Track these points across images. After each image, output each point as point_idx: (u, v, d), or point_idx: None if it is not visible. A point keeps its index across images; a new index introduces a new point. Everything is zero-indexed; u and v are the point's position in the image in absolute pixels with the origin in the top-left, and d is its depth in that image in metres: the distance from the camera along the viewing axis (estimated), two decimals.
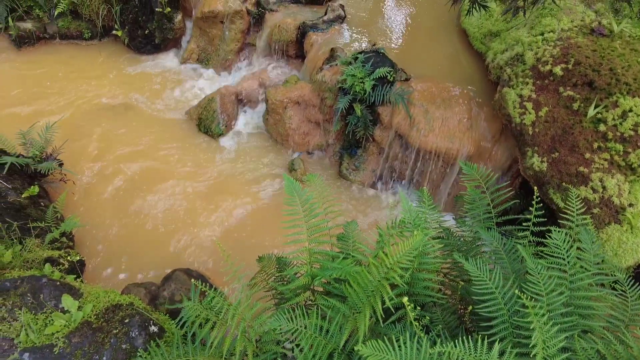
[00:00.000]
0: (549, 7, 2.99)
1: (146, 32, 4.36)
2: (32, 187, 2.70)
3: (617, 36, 2.57)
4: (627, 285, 1.49)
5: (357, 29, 3.74)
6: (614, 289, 1.54)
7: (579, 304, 1.30)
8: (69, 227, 2.51)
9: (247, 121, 3.86)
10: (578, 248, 1.47)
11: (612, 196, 2.26)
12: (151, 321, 1.86)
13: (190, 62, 4.40)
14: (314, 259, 1.62)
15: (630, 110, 2.27)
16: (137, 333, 1.73)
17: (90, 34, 4.57)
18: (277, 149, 3.67)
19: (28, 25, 4.49)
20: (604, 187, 2.28)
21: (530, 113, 2.52)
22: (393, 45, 3.55)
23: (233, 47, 4.13)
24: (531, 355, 1.13)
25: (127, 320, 1.77)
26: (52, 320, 1.76)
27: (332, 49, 3.45)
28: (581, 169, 2.33)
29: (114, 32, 4.48)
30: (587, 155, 2.33)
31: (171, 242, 3.03)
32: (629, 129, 2.26)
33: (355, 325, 1.37)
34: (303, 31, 3.69)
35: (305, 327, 1.37)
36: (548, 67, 2.54)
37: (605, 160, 2.30)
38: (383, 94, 3.02)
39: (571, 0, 3.00)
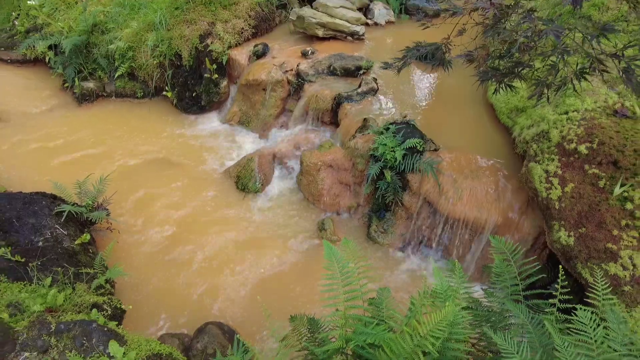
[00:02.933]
0: (573, 91, 3.17)
1: (194, 94, 4.77)
2: (84, 234, 2.92)
3: (637, 117, 2.71)
4: None
5: (388, 101, 4.01)
6: None
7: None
8: (113, 274, 2.68)
9: (282, 181, 4.08)
10: (605, 327, 1.52)
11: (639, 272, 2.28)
12: None
13: (232, 124, 4.74)
14: (348, 324, 1.71)
15: None
16: None
17: (142, 93, 5.03)
18: (309, 208, 3.84)
19: (90, 84, 5.01)
20: (634, 265, 2.31)
21: (556, 188, 2.62)
22: (422, 116, 3.78)
23: (272, 112, 4.46)
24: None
25: None
26: None
27: (364, 119, 3.70)
28: (609, 245, 2.38)
29: (164, 92, 4.92)
30: (615, 232, 2.38)
31: (204, 294, 3.15)
32: None
33: None
34: (338, 101, 3.98)
35: None
36: (573, 145, 2.67)
37: (634, 238, 2.35)
38: (412, 163, 3.20)
39: (593, 81, 3.19)
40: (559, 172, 2.66)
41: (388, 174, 3.27)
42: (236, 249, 3.48)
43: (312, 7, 5.17)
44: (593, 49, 2.25)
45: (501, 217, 2.94)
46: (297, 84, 4.29)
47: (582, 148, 2.63)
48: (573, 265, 2.47)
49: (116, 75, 4.86)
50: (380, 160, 3.29)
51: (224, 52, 4.61)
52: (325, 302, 1.75)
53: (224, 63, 4.63)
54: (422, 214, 3.27)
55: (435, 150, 3.34)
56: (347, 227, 3.71)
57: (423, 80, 4.39)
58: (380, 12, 5.55)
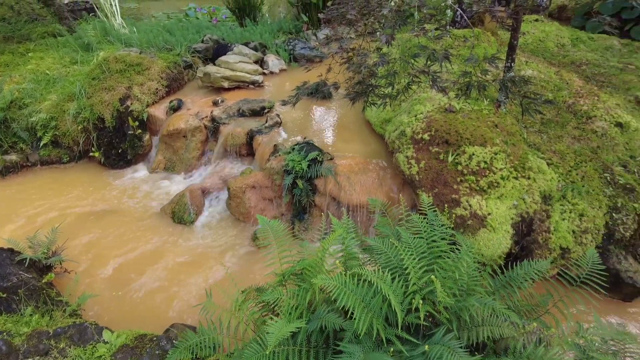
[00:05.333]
0: (418, 99, 4.39)
1: (120, 150, 5.31)
2: (49, 274, 3.32)
3: (459, 111, 3.93)
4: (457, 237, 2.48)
5: (291, 130, 4.97)
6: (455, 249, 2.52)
7: (433, 250, 2.25)
8: (83, 300, 3.14)
9: (213, 209, 4.74)
10: (428, 222, 2.48)
11: (476, 210, 3.37)
12: (173, 339, 2.54)
13: (159, 171, 5.34)
14: (284, 269, 2.49)
15: (473, 154, 3.51)
16: (165, 342, 2.39)
17: (68, 158, 5.43)
18: (240, 225, 4.54)
19: (13, 157, 5.30)
20: (470, 205, 3.40)
21: (414, 166, 3.69)
22: (319, 136, 4.77)
23: (195, 154, 5.16)
24: (409, 279, 2.04)
25: (154, 339, 2.44)
26: (97, 349, 2.39)
27: (274, 145, 4.58)
28: (454, 196, 3.45)
29: (90, 154, 5.38)
30: (455, 186, 3.48)
31: (161, 307, 3.66)
32: (475, 165, 3.47)
33: (313, 293, 2.22)
34: (251, 135, 4.83)
35: (283, 296, 2.19)
36: (420, 136, 3.80)
37: (466, 188, 3.45)
38: (316, 170, 4.12)
39: (432, 92, 4.44)
40: (414, 155, 3.75)
41: (300, 182, 4.15)
42: (182, 271, 4.04)
43: (215, 64, 6.09)
44: (412, 69, 3.40)
45: (385, 197, 3.93)
46: (214, 127, 5.08)
47: (425, 136, 3.76)
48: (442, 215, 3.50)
49: (40, 145, 5.23)
50: (291, 173, 4.16)
51: (144, 110, 5.27)
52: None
53: (145, 119, 5.28)
54: (330, 209, 4.17)
55: (331, 159, 4.31)
56: None
57: (317, 112, 5.45)
58: (274, 62, 6.64)
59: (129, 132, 5.22)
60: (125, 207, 4.80)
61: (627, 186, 3.64)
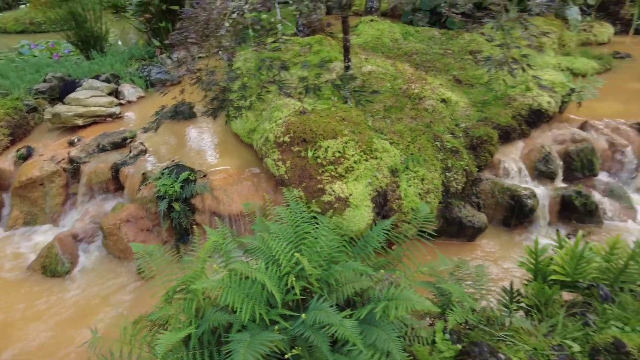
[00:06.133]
0: (276, 106, 4.73)
1: None
2: None
3: (311, 112, 4.37)
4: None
5: (160, 155, 4.94)
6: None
7: (299, 234, 2.57)
8: None
9: (89, 253, 4.49)
10: (292, 211, 2.80)
11: (339, 194, 3.80)
12: None
13: (18, 228, 4.85)
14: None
15: (328, 147, 3.94)
16: None
17: None
18: (122, 263, 4.39)
19: None
20: (334, 191, 3.82)
21: (282, 167, 4.01)
22: (189, 156, 4.84)
23: (58, 201, 4.82)
24: (280, 262, 2.31)
25: None
26: None
27: (143, 174, 4.53)
28: (319, 186, 3.84)
29: None
30: (318, 177, 3.87)
31: None
32: (331, 156, 3.91)
33: (198, 299, 2.36)
34: (116, 169, 4.69)
35: (171, 311, 2.29)
36: (281, 139, 4.13)
37: (328, 177, 3.87)
38: (190, 190, 4.19)
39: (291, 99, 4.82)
40: (280, 157, 4.07)
41: (176, 205, 4.18)
42: (67, 327, 3.78)
43: (64, 103, 5.72)
44: (260, 80, 3.71)
45: (263, 200, 4.19)
46: (74, 169, 4.80)
47: (286, 138, 4.11)
48: (307, 206, 3.85)
49: None
50: (165, 198, 4.18)
51: None
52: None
53: None
54: (212, 224, 4.27)
55: (205, 175, 4.42)
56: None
57: (183, 132, 5.48)
58: (130, 91, 6.46)
59: None
60: None
61: (454, 149, 4.43)
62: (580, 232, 2.98)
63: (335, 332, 2.04)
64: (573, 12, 8.78)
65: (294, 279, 2.32)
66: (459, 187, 4.23)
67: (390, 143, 4.24)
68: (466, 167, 4.34)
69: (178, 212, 4.19)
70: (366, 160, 3.97)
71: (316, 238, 2.44)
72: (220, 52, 3.58)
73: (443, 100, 5.36)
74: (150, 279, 4.14)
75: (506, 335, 2.61)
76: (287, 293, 2.41)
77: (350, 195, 3.81)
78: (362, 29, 8.09)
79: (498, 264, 4.06)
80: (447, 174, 4.20)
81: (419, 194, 3.99)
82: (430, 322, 2.81)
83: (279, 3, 3.83)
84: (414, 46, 7.67)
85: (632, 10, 9.81)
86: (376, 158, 4.01)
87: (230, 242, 2.74)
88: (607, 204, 4.80)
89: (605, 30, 9.34)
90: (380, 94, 4.72)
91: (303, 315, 2.20)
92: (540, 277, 2.92)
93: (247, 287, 2.34)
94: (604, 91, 6.55)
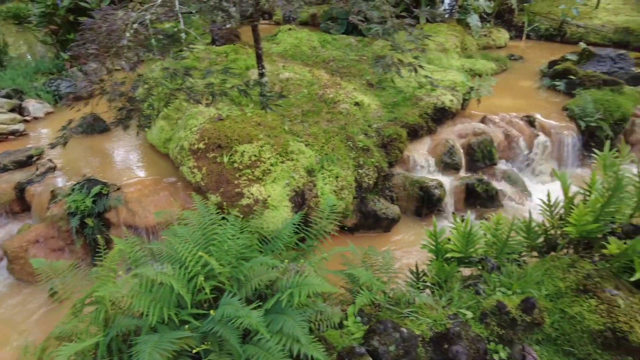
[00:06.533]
0: (191, 114, 4.73)
1: None
2: None
3: (227, 119, 4.43)
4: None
5: (71, 171, 4.72)
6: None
7: (208, 237, 2.63)
8: None
9: None
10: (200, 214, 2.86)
11: (258, 196, 3.89)
12: None
13: None
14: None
15: (244, 151, 4.03)
16: None
17: None
18: (32, 287, 4.12)
19: None
20: (252, 194, 3.90)
21: (197, 174, 4.02)
22: (104, 171, 4.67)
23: None
24: (186, 266, 2.36)
25: None
26: None
27: (52, 191, 4.30)
28: (237, 190, 3.91)
29: None
30: (236, 182, 3.94)
31: None
32: (248, 160, 3.99)
33: (106, 308, 2.33)
34: (21, 188, 4.41)
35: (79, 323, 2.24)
36: (196, 146, 4.14)
37: (246, 180, 3.95)
38: (103, 204, 4.06)
39: (200, 107, 4.83)
40: (196, 164, 4.08)
41: (90, 221, 4.03)
42: None
43: None
44: (169, 88, 3.71)
45: (182, 209, 4.16)
46: None
47: (201, 145, 4.13)
48: (226, 210, 3.90)
49: None
50: (77, 214, 4.01)
51: None
52: None
53: None
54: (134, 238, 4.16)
55: (119, 188, 4.30)
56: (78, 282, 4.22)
57: (96, 145, 5.27)
58: (35, 106, 6.09)
59: None
60: None
61: (365, 148, 4.71)
62: (469, 214, 3.33)
63: (242, 323, 2.12)
64: (474, 19, 9.65)
65: (202, 279, 2.37)
66: (371, 182, 4.49)
67: (306, 145, 4.42)
68: (377, 164, 4.63)
69: (92, 227, 4.03)
70: (282, 162, 4.10)
71: (223, 237, 2.51)
72: (124, 62, 3.53)
73: (356, 104, 5.66)
74: (64, 301, 3.96)
75: (411, 311, 2.85)
76: (198, 293, 2.45)
77: (269, 196, 3.91)
78: (282, 38, 8.28)
79: (411, 250, 4.37)
80: (359, 170, 4.46)
81: (334, 191, 4.19)
82: (343, 308, 2.98)
83: (184, 13, 3.85)
84: (331, 53, 7.98)
85: (523, 18, 10.97)
86: (292, 160, 4.16)
87: (139, 250, 2.72)
88: (506, 189, 5.34)
89: (502, 35, 10.34)
90: (288, 99, 4.91)
91: (212, 312, 2.26)
92: (440, 257, 3.21)
93: (155, 292, 2.35)
94: (501, 89, 7.28)
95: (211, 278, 2.47)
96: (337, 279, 3.19)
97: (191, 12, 3.81)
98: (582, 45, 8.24)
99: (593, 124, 5.98)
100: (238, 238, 2.52)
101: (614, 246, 2.75)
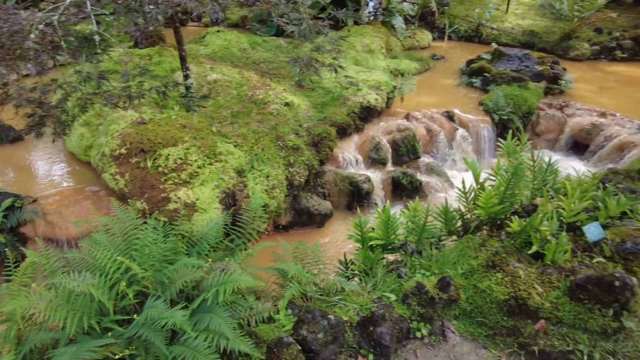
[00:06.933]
0: (112, 119, 4.54)
1: None
2: None
3: (150, 122, 4.31)
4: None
5: None
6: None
7: (130, 243, 2.58)
8: None
9: None
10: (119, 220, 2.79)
11: (186, 200, 3.84)
12: None
13: None
14: None
15: (169, 155, 3.95)
16: None
17: None
18: None
19: None
20: (179, 198, 3.84)
21: (120, 180, 3.88)
22: (17, 183, 4.36)
23: None
24: (106, 273, 2.30)
25: None
26: None
27: None
28: (163, 195, 3.83)
29: None
30: (162, 186, 3.85)
31: None
32: (173, 163, 3.93)
33: (17, 324, 2.20)
34: None
35: None
36: (118, 152, 4.00)
37: (172, 184, 3.88)
38: (17, 218, 3.80)
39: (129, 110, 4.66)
40: (118, 170, 3.94)
41: (1, 237, 3.74)
42: None
43: None
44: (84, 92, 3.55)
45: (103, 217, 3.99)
46: None
47: (123, 150, 3.99)
48: (155, 218, 3.81)
49: None
50: None
51: None
52: None
53: None
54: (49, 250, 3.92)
55: (35, 200, 4.04)
56: None
57: (9, 156, 4.89)
58: None
59: None
60: None
61: (295, 147, 4.80)
62: (387, 202, 3.53)
63: (167, 324, 2.11)
64: (398, 22, 10.13)
65: (124, 285, 2.32)
66: (302, 180, 4.60)
67: (235, 146, 4.42)
68: (308, 162, 4.74)
69: (4, 244, 3.75)
70: (211, 164, 4.07)
71: (144, 242, 2.47)
72: (31, 66, 3.33)
73: (287, 104, 5.74)
74: None
75: (340, 299, 2.97)
76: (121, 300, 2.40)
77: (197, 199, 3.87)
78: (210, 40, 8.17)
79: (343, 243, 4.52)
80: (290, 169, 4.54)
81: (266, 190, 4.24)
82: (275, 303, 3.04)
83: (97, 14, 3.70)
84: (262, 55, 8.01)
85: (445, 21, 11.70)
86: (221, 161, 4.14)
87: (56, 262, 2.60)
88: (429, 181, 5.68)
89: (425, 36, 10.94)
90: (216, 100, 4.89)
91: (135, 316, 2.22)
92: (366, 245, 3.38)
93: (73, 302, 2.27)
94: (423, 87, 7.73)
95: (134, 283, 2.42)
96: (268, 275, 3.25)
97: (105, 14, 3.67)
98: (494, 45, 8.96)
99: (505, 117, 6.54)
100: (163, 242, 2.49)
101: (515, 224, 3.05)
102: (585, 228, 3.03)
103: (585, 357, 2.55)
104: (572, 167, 4.35)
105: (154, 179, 3.85)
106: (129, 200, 3.85)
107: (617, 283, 2.55)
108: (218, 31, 8.57)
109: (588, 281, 2.65)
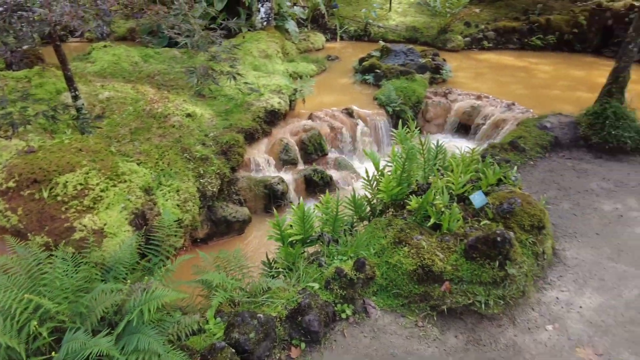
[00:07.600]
0: None
1: None
2: None
3: (40, 149, 4.00)
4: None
5: None
6: None
7: (34, 276, 2.44)
8: None
9: None
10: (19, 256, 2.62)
11: (92, 227, 3.63)
12: None
13: None
14: None
15: (67, 182, 3.71)
16: None
17: None
18: None
19: None
20: (85, 226, 3.63)
21: (13, 217, 3.56)
22: None
23: None
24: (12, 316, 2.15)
25: None
26: None
27: None
28: (66, 225, 3.58)
29: None
30: (63, 216, 3.61)
31: None
32: (73, 190, 3.69)
33: None
34: None
35: None
36: (5, 186, 3.65)
37: (74, 212, 3.65)
38: None
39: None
40: (8, 206, 3.60)
41: None
42: None
43: None
44: None
45: None
46: None
47: (11, 184, 3.66)
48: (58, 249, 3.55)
49: None
50: None
51: None
52: None
53: None
54: None
55: None
56: None
57: None
58: None
59: None
60: None
61: (203, 157, 4.78)
62: (301, 199, 3.72)
63: (90, 354, 2.05)
64: (291, 25, 10.42)
65: (35, 324, 2.19)
66: (215, 189, 4.60)
67: (138, 164, 4.28)
68: (218, 171, 4.75)
69: None
70: (114, 186, 3.90)
71: (57, 276, 2.34)
72: None
73: (188, 115, 5.66)
74: None
75: (267, 298, 3.07)
76: (34, 340, 2.25)
77: (105, 224, 3.69)
78: (97, 56, 7.69)
79: (265, 245, 4.62)
80: (201, 180, 4.51)
81: (178, 205, 4.17)
82: (203, 314, 3.05)
83: None
84: (156, 67, 7.74)
85: (335, 22, 12.28)
86: (125, 182, 3.99)
87: None
88: (338, 175, 6.01)
89: (319, 38, 11.39)
90: (111, 119, 4.69)
91: (53, 354, 2.12)
92: (286, 242, 3.52)
93: None
94: (322, 87, 8.09)
95: (48, 320, 2.29)
96: (192, 289, 3.25)
97: None
98: (382, 43, 9.66)
99: (397, 109, 7.13)
100: (74, 272, 2.38)
101: (414, 202, 3.42)
102: (471, 197, 3.50)
103: (483, 306, 2.97)
104: (456, 147, 4.94)
105: (54, 209, 3.59)
106: (28, 235, 3.54)
107: (498, 239, 3.01)
108: (105, 46, 8.11)
109: (477, 242, 3.08)
